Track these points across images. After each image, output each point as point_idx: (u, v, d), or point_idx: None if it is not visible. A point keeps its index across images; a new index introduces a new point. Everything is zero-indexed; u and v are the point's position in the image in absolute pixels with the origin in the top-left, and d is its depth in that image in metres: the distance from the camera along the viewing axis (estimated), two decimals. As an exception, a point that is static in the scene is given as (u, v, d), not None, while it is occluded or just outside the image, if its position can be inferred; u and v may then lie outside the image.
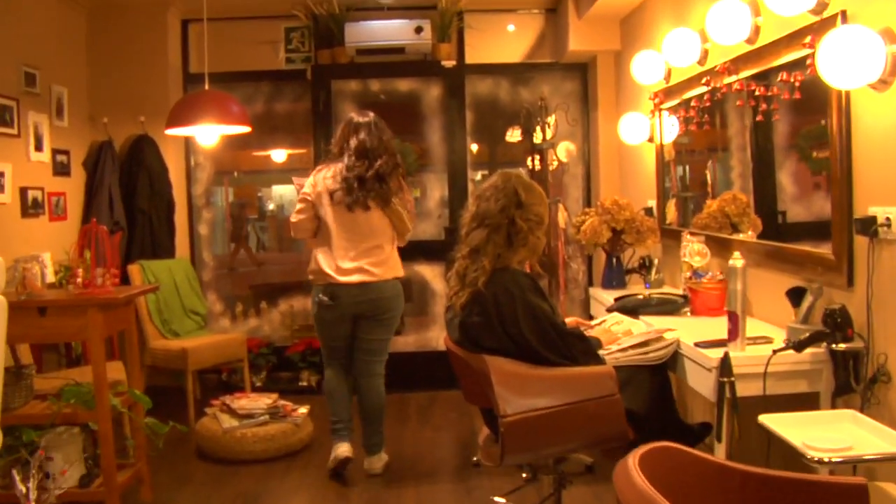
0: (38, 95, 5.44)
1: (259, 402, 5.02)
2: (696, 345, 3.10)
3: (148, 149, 6.17)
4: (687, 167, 5.07)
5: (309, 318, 6.62)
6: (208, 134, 5.48)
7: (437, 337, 6.45)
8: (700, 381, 3.09)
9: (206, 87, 5.33)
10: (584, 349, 3.07)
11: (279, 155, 7.99)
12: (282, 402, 5.12)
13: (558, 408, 2.91)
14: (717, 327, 3.23)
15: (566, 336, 3.03)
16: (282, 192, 12.76)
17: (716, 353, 2.91)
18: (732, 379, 2.80)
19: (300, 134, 6.85)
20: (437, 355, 6.13)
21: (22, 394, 3.99)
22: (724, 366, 2.82)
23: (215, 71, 6.20)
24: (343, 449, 4.45)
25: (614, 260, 5.04)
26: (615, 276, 5.02)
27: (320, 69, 6.37)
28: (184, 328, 6.00)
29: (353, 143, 4.35)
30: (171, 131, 5.23)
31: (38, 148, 5.44)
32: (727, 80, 3.94)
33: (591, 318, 5.11)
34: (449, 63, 6.36)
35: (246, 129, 5.38)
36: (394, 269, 4.52)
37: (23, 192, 5.23)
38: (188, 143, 6.57)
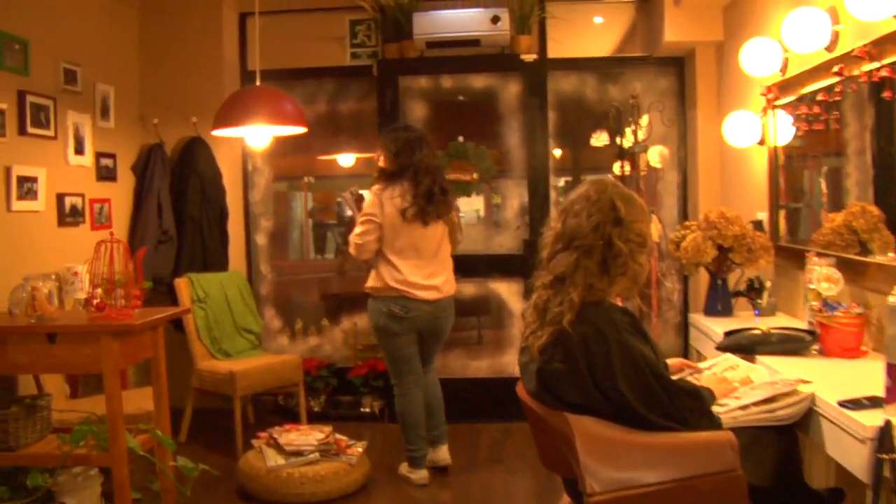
0: (80, 94, 5.00)
1: (310, 436, 4.44)
2: (841, 404, 2.38)
3: (200, 152, 5.69)
4: (808, 173, 4.31)
5: (373, 337, 6.06)
6: (259, 135, 4.95)
7: (513, 362, 5.78)
8: (845, 452, 2.36)
9: (259, 84, 4.82)
10: (696, 408, 2.38)
11: (347, 159, 7.47)
12: (336, 435, 4.54)
13: (663, 486, 2.23)
14: (859, 374, 2.74)
15: (675, 392, 2.34)
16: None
17: (871, 419, 2.21)
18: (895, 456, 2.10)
19: (367, 136, 6.29)
20: (514, 383, 5.49)
21: (36, 428, 3.51)
22: (885, 438, 2.12)
23: (273, 68, 5.73)
24: (424, 475, 4.53)
25: (719, 282, 4.31)
26: (721, 301, 4.29)
27: (387, 64, 5.79)
28: (235, 348, 5.49)
29: (416, 158, 4.39)
30: (218, 132, 4.71)
31: (79, 151, 5.00)
32: (866, 66, 3.21)
33: (692, 354, 4.41)
34: (529, 57, 5.71)
35: (301, 130, 4.84)
36: (454, 284, 4.62)
37: (60, 198, 4.78)
38: (245, 146, 6.07)
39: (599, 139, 6.28)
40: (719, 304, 4.30)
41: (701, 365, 3.00)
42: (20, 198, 4.42)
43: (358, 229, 4.38)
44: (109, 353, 3.17)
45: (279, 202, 9.50)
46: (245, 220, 6.15)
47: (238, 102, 4.67)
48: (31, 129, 4.50)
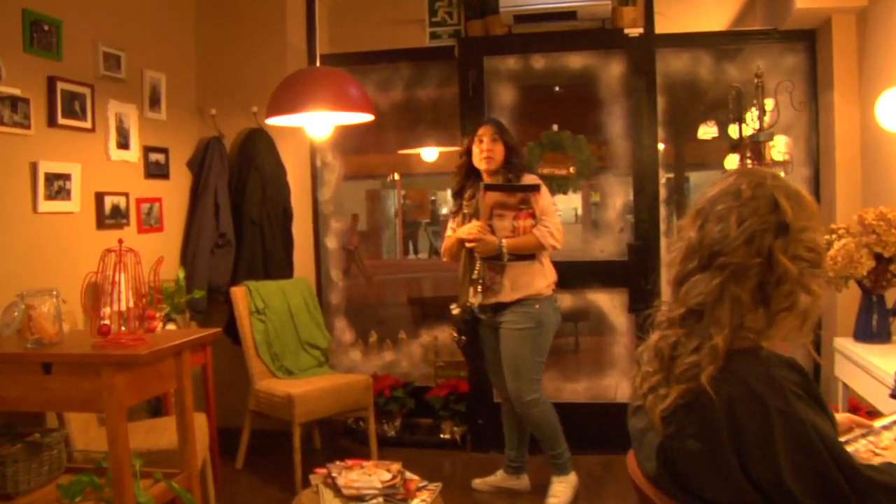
0: (123, 82, 4.45)
1: (374, 476, 3.74)
2: None
3: (260, 145, 5.09)
4: None
5: (455, 353, 5.38)
6: (320, 123, 4.30)
7: (615, 386, 5.01)
8: None
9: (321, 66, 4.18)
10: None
11: (430, 154, 6.79)
12: (406, 475, 3.84)
13: None
14: None
15: (866, 488, 1.50)
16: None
17: None
18: None
19: (448, 127, 5.61)
20: (615, 409, 4.73)
21: (42, 471, 2.95)
22: None
23: (343, 51, 5.10)
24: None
25: (874, 298, 3.45)
26: (878, 324, 3.43)
27: (469, 43, 5.07)
28: (298, 365, 4.87)
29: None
30: (273, 120, 4.08)
31: (123, 145, 4.45)
32: None
33: (832, 387, 3.58)
34: (634, 31, 4.91)
35: (367, 118, 4.17)
36: None
37: (99, 198, 4.25)
38: (313, 138, 5.46)
39: (708, 131, 5.46)
40: (875, 326, 3.44)
41: (877, 424, 2.16)
42: (49, 197, 3.89)
43: (556, 219, 4.03)
44: (111, 389, 2.55)
45: (371, 200, 8.94)
46: (313, 222, 5.53)
47: (294, 86, 4.03)
48: (62, 120, 3.96)
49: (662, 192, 5.07)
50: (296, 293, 5.02)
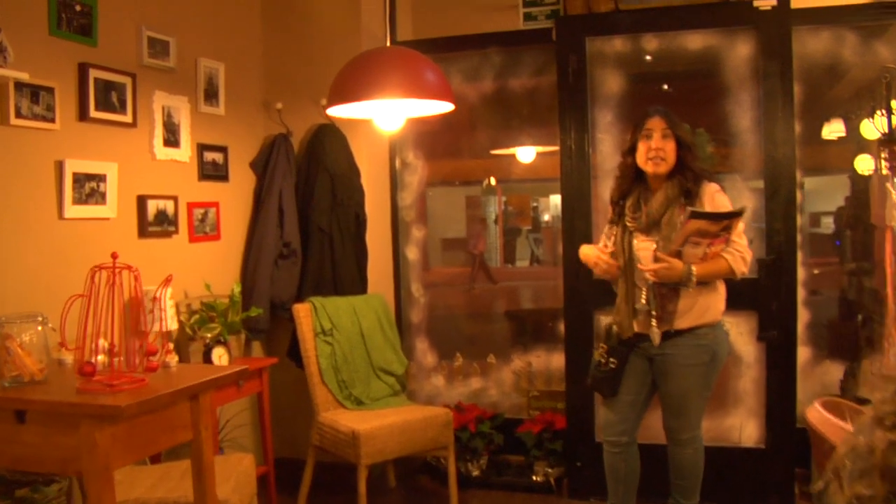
0: (173, 71, 3.93)
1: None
2: None
3: (331, 143, 4.50)
4: None
5: (551, 381, 4.72)
6: (390, 114, 3.65)
7: (739, 427, 4.20)
8: None
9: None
10: None
11: (526, 154, 6.10)
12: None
13: None
14: None
15: None
16: (557, 202, 11.12)
17: None
18: None
19: (545, 121, 4.91)
20: (740, 455, 3.97)
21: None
22: None
23: (424, 37, 4.49)
24: None
25: None
26: None
27: (569, 23, 4.34)
28: (370, 394, 4.25)
29: None
30: (334, 111, 3.48)
31: (172, 142, 3.93)
32: None
33: None
34: (766, 4, 4.10)
35: (447, 108, 3.53)
36: None
37: (141, 202, 3.73)
38: (392, 134, 4.85)
39: (834, 130, 4.64)
40: None
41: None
42: (79, 201, 3.38)
43: (745, 240, 3.32)
44: (92, 448, 1.97)
45: (471, 207, 8.37)
46: (392, 230, 4.91)
47: (359, 69, 3.42)
48: (95, 113, 3.45)
49: (800, 197, 4.25)
50: (369, 311, 4.41)
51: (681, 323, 3.26)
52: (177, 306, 3.87)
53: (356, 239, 4.54)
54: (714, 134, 4.33)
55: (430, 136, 4.86)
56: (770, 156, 4.11)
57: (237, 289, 4.11)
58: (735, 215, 3.16)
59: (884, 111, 3.93)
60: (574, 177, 4.29)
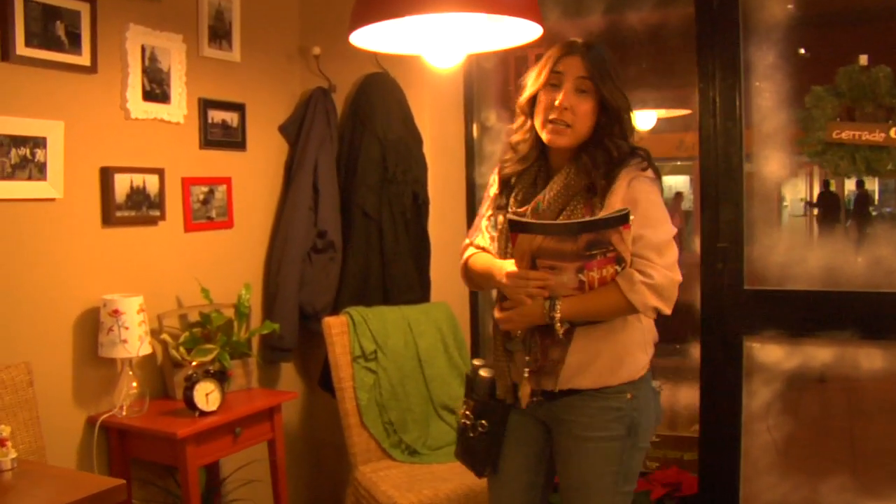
0: (157, 1, 2.86)
1: None
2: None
3: (381, 99, 3.36)
4: None
5: (676, 424, 3.54)
6: (439, 43, 2.42)
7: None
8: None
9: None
10: None
11: (645, 119, 4.79)
12: None
13: None
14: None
15: None
16: (671, 183, 9.72)
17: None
18: None
19: (675, 74, 3.67)
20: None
21: None
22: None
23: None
24: None
25: None
26: None
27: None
28: (428, 440, 3.13)
29: None
30: (359, 38, 2.27)
31: (158, 96, 2.87)
32: None
33: None
34: None
35: (534, 33, 2.29)
36: None
37: (106, 176, 2.68)
38: (469, 87, 3.68)
39: None
40: None
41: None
42: (0, 176, 2.35)
43: (670, 252, 1.98)
44: None
45: None
46: (467, 216, 3.73)
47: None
48: (25, 50, 2.42)
49: None
50: (429, 327, 3.26)
51: (578, 381, 1.97)
52: (160, 320, 2.82)
53: (414, 228, 3.38)
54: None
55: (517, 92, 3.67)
56: None
57: (245, 295, 3.03)
58: (608, 223, 1.83)
59: None
60: (719, 143, 3.03)
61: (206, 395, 2.63)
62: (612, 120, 1.97)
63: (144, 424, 2.59)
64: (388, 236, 3.32)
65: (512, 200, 2.03)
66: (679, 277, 1.93)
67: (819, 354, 3.01)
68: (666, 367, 3.70)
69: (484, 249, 2.10)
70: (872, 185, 3.33)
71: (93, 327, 2.62)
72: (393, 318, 3.19)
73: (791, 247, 3.08)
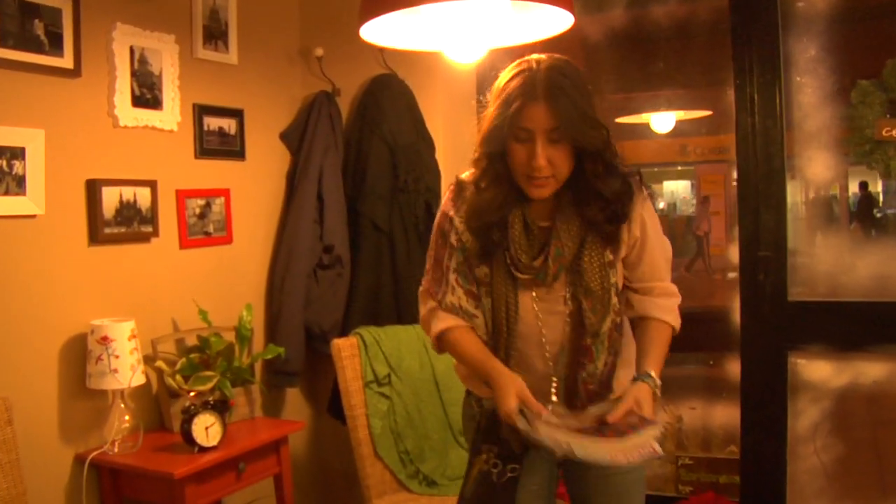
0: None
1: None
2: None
3: (389, 101, 3.14)
4: None
5: (710, 443, 3.30)
6: (459, 36, 2.17)
7: None
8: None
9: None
10: None
11: (663, 122, 4.58)
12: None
13: None
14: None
15: None
16: (673, 189, 9.54)
17: None
18: None
19: (703, 71, 3.46)
20: None
21: None
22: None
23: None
24: None
25: None
26: None
27: None
28: (448, 470, 2.89)
29: None
30: (370, 32, 2.03)
31: (149, 102, 2.64)
32: None
33: None
34: None
35: (563, 27, 2.05)
36: None
37: (93, 190, 2.44)
38: (483, 89, 3.44)
39: None
40: None
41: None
42: (-26, 191, 2.12)
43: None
44: None
45: None
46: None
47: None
48: (0, 52, 2.18)
49: None
50: (446, 345, 3.02)
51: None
52: (154, 346, 2.59)
53: (427, 240, 3.14)
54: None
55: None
56: None
57: (247, 316, 2.79)
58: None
59: None
60: (758, 143, 2.80)
61: (206, 429, 2.39)
62: (594, 158, 1.73)
63: (138, 462, 2.35)
64: (399, 249, 3.08)
65: (516, 252, 1.78)
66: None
67: (871, 370, 2.78)
68: (698, 382, 3.48)
69: (458, 309, 1.82)
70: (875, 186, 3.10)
71: (80, 356, 2.38)
72: (407, 339, 2.95)
73: (838, 254, 2.85)
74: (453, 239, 1.81)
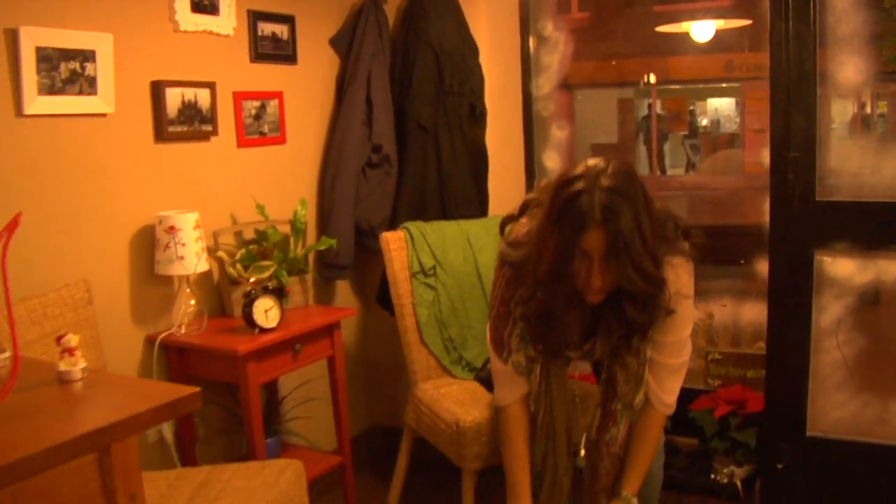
0: None
1: None
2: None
3: (435, 8, 3.24)
4: None
5: (742, 341, 3.44)
6: None
7: None
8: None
9: None
10: None
11: (702, 30, 4.63)
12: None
13: None
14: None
15: None
16: (717, 105, 9.51)
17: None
18: None
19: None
20: None
21: None
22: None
23: None
24: None
25: None
26: None
27: None
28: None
29: None
30: None
31: (206, 8, 2.78)
32: None
33: None
34: None
35: None
36: None
37: (157, 90, 2.61)
38: (524, -1, 3.54)
39: None
40: None
41: None
42: (50, 90, 2.30)
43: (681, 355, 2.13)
44: None
45: (623, 111, 7.42)
46: (524, 128, 3.63)
47: None
48: (72, -42, 2.33)
49: None
50: (489, 242, 3.18)
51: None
52: (215, 238, 2.79)
53: (471, 140, 3.30)
54: None
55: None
56: None
57: (301, 211, 2.98)
58: None
59: None
60: (791, 48, 2.86)
61: (266, 312, 2.60)
62: (633, 298, 1.80)
63: (204, 342, 2.58)
64: (444, 149, 3.23)
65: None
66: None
67: (893, 269, 2.88)
68: (730, 285, 3.62)
69: (520, 367, 2.02)
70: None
71: (149, 245, 2.60)
72: (452, 233, 3.12)
73: (865, 156, 2.93)
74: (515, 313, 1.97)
